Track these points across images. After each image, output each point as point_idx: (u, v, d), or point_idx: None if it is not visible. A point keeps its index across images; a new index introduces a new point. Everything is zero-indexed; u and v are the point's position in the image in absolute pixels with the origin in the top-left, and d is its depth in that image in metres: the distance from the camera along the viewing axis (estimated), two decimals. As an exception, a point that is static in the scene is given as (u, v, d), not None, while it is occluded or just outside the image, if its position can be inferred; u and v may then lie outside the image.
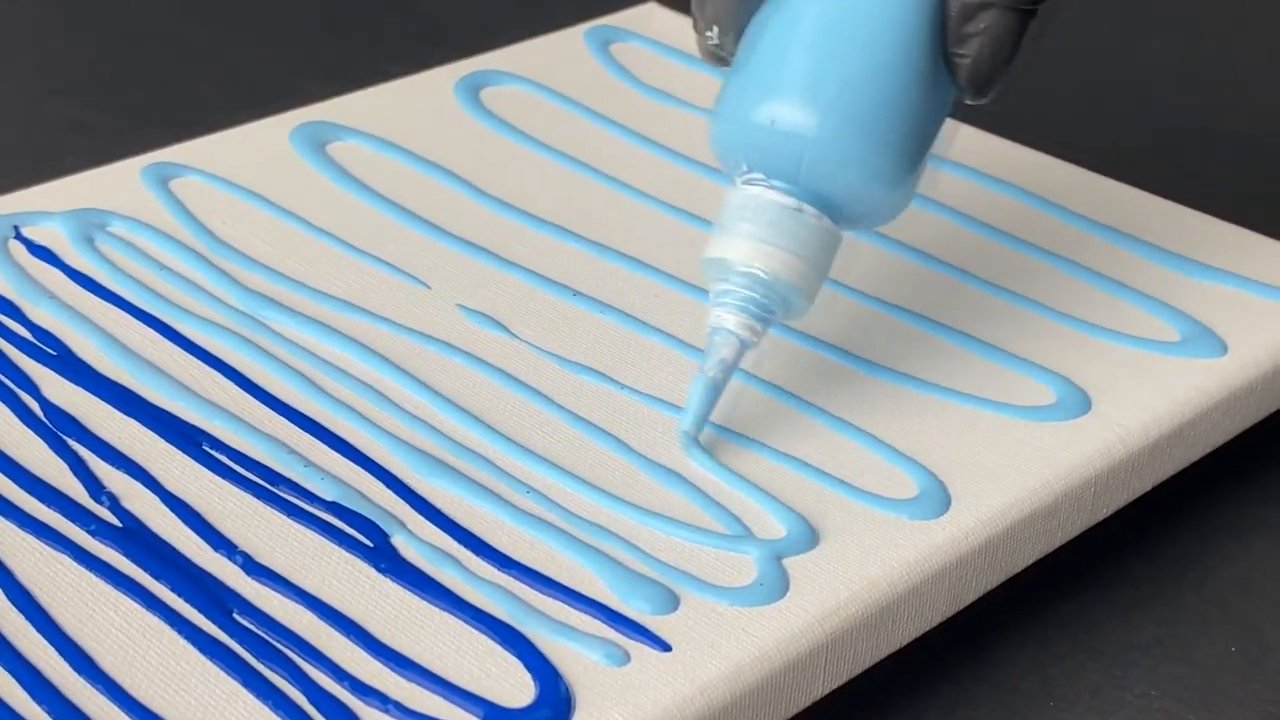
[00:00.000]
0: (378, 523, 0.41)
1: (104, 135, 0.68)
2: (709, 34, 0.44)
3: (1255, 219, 0.55)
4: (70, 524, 0.41)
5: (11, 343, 0.47)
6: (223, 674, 0.37)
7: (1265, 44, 0.79)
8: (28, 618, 0.38)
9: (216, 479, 0.43)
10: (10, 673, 0.37)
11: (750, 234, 0.43)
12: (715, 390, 0.44)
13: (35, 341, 0.47)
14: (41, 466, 0.43)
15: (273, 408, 0.45)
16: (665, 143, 0.59)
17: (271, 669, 0.37)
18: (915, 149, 0.43)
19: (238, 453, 0.43)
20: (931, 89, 0.43)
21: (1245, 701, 0.43)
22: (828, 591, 0.40)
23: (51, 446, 0.43)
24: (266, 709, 0.36)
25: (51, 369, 0.46)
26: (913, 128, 0.43)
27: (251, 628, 0.38)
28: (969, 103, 0.44)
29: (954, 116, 0.45)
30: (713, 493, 0.43)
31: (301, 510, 0.42)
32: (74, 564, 0.40)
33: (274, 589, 0.39)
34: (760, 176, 0.43)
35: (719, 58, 0.45)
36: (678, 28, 0.66)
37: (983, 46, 0.42)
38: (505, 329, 0.49)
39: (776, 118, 0.42)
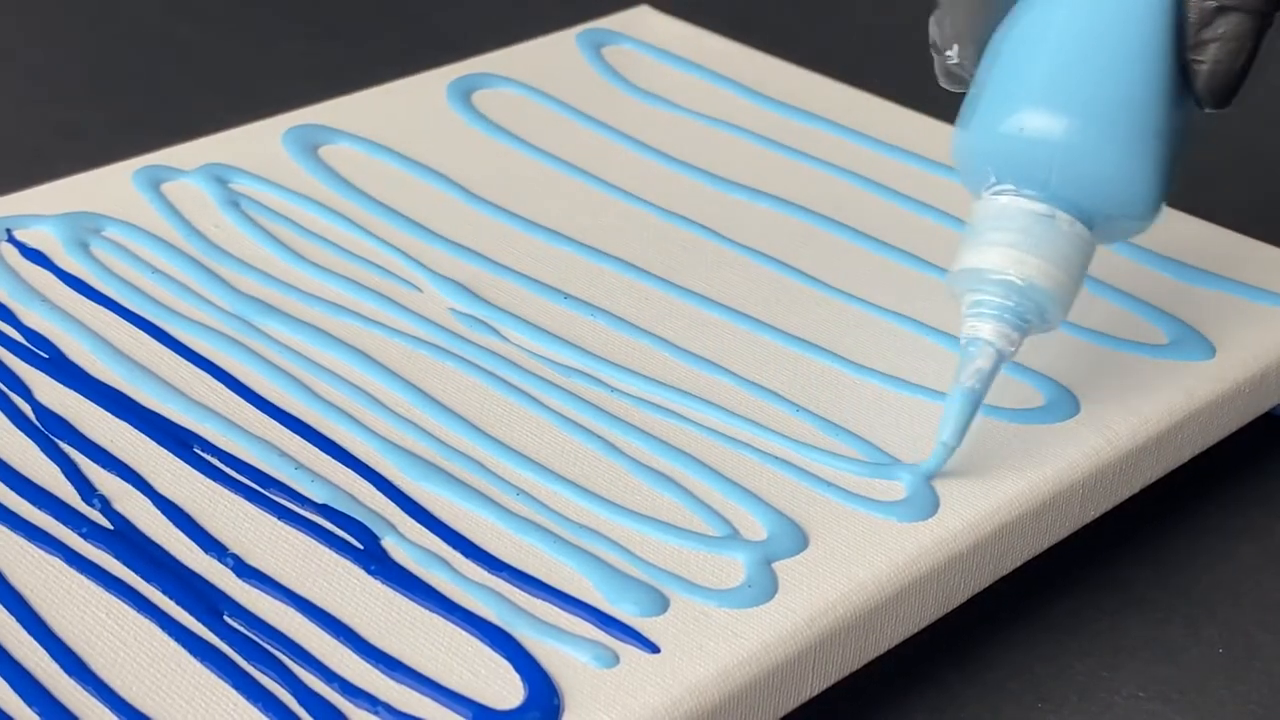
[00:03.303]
0: (368, 525, 0.41)
1: (96, 138, 0.68)
2: (949, 53, 0.44)
3: (1244, 222, 0.55)
4: (62, 526, 0.41)
5: (4, 346, 0.47)
6: (213, 675, 0.37)
7: (1269, 43, 0.79)
8: (19, 619, 0.38)
9: (207, 481, 0.43)
10: (2, 674, 0.37)
11: (1002, 241, 0.43)
12: (974, 401, 0.43)
13: (27, 344, 0.47)
14: (33, 469, 0.43)
15: (264, 410, 0.45)
16: (657, 146, 0.59)
17: (261, 671, 0.37)
18: (1162, 153, 0.43)
19: (229, 455, 0.43)
20: (1176, 95, 0.43)
21: (1232, 703, 0.44)
22: (816, 593, 0.40)
23: (43, 449, 0.44)
24: (256, 710, 0.36)
25: (43, 372, 0.46)
26: (1160, 131, 0.42)
27: (242, 629, 0.38)
28: (1208, 110, 0.43)
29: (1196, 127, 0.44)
30: (701, 495, 0.43)
31: (292, 513, 0.42)
32: (65, 566, 0.40)
33: (264, 591, 0.39)
34: (1010, 187, 0.43)
35: (958, 78, 0.45)
36: (670, 31, 0.66)
37: (1220, 51, 0.42)
38: (496, 332, 0.49)
39: (1025, 125, 0.42)
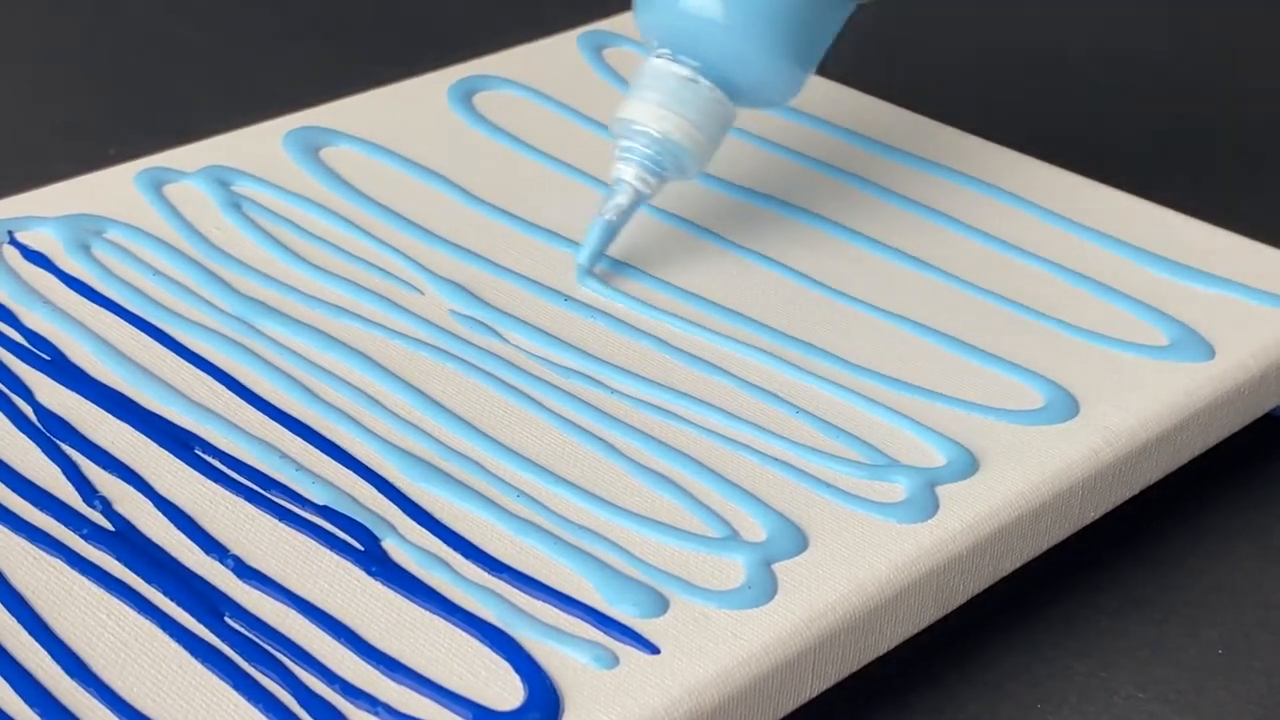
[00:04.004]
0: (368, 526, 0.41)
1: (98, 140, 0.68)
2: None
3: (1244, 223, 0.55)
4: (63, 528, 0.41)
5: (6, 348, 0.47)
6: (214, 677, 0.37)
7: (1261, 48, 0.79)
8: (20, 621, 0.39)
9: (208, 483, 0.43)
10: (3, 675, 0.37)
11: (651, 99, 0.50)
12: (610, 231, 0.51)
13: (29, 346, 0.47)
14: (35, 471, 0.43)
15: (265, 412, 0.45)
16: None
17: (262, 672, 0.38)
18: (806, 39, 0.50)
19: (230, 457, 0.44)
20: None
21: (1231, 704, 0.44)
22: (816, 595, 0.40)
23: (45, 451, 0.44)
24: (257, 711, 0.37)
25: (45, 374, 0.46)
26: (804, 19, 0.49)
27: (242, 631, 0.38)
28: (862, 2, 0.49)
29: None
30: (701, 496, 0.43)
31: (292, 514, 0.42)
32: (67, 567, 0.40)
33: (265, 592, 0.40)
34: (668, 52, 0.50)
35: None
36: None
37: None
38: (496, 334, 0.49)
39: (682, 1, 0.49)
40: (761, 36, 0.49)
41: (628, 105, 0.50)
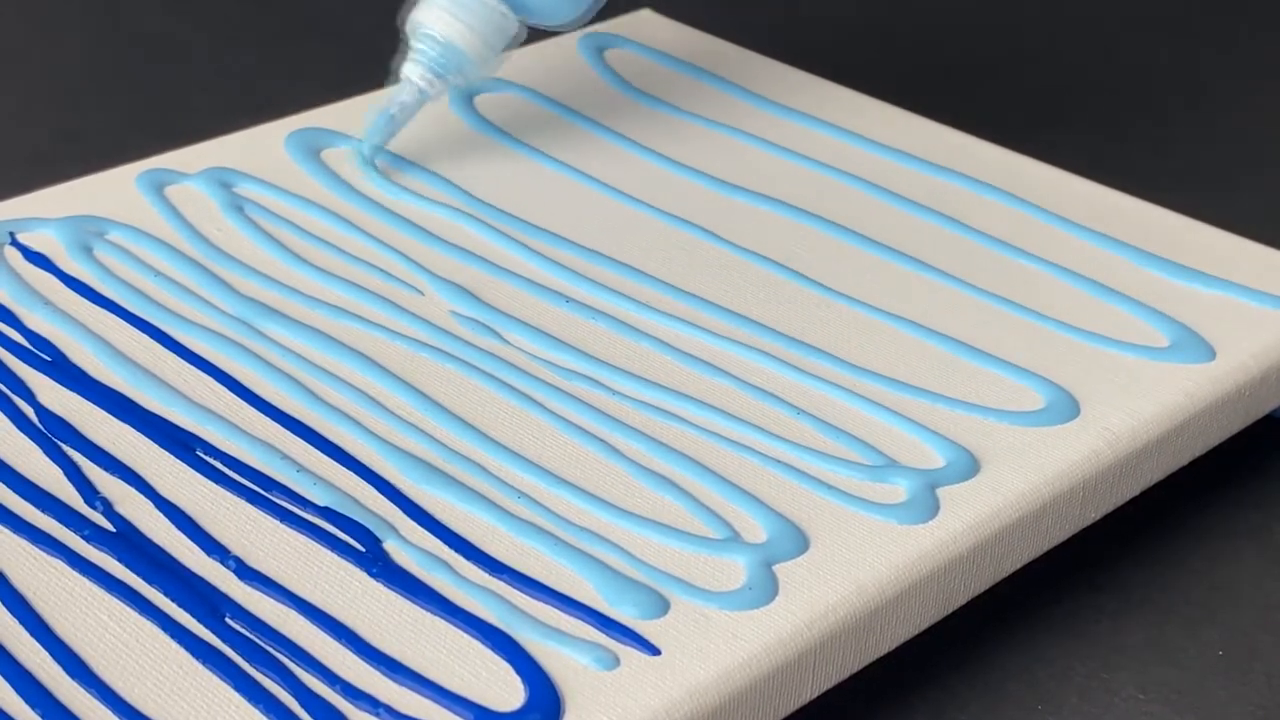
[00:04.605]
0: (369, 528, 0.41)
1: (99, 142, 0.68)
2: None
3: (1244, 225, 0.55)
4: (64, 528, 0.41)
5: (7, 349, 0.47)
6: (215, 677, 0.37)
7: (1262, 48, 0.79)
8: (22, 621, 0.39)
9: (210, 484, 0.43)
10: (4, 676, 0.37)
11: (440, 5, 0.55)
12: (392, 124, 0.56)
13: (31, 348, 0.47)
14: (36, 472, 0.43)
15: (266, 413, 0.45)
16: (659, 149, 0.59)
17: (263, 672, 0.38)
18: None
19: (231, 458, 0.44)
20: None
21: (1232, 705, 0.44)
22: (816, 596, 0.40)
23: (46, 452, 0.44)
24: (258, 712, 0.37)
25: (47, 375, 0.46)
26: None
27: (243, 632, 0.39)
28: None
29: None
30: (702, 498, 0.43)
31: (294, 515, 0.42)
32: (68, 568, 0.40)
33: (266, 593, 0.40)
34: None
35: None
36: (671, 35, 0.66)
37: None
38: (497, 335, 0.49)
39: None
40: None
41: (420, 9, 0.56)
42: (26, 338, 0.48)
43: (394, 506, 0.42)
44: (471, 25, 0.55)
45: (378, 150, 0.57)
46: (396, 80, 0.56)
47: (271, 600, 0.39)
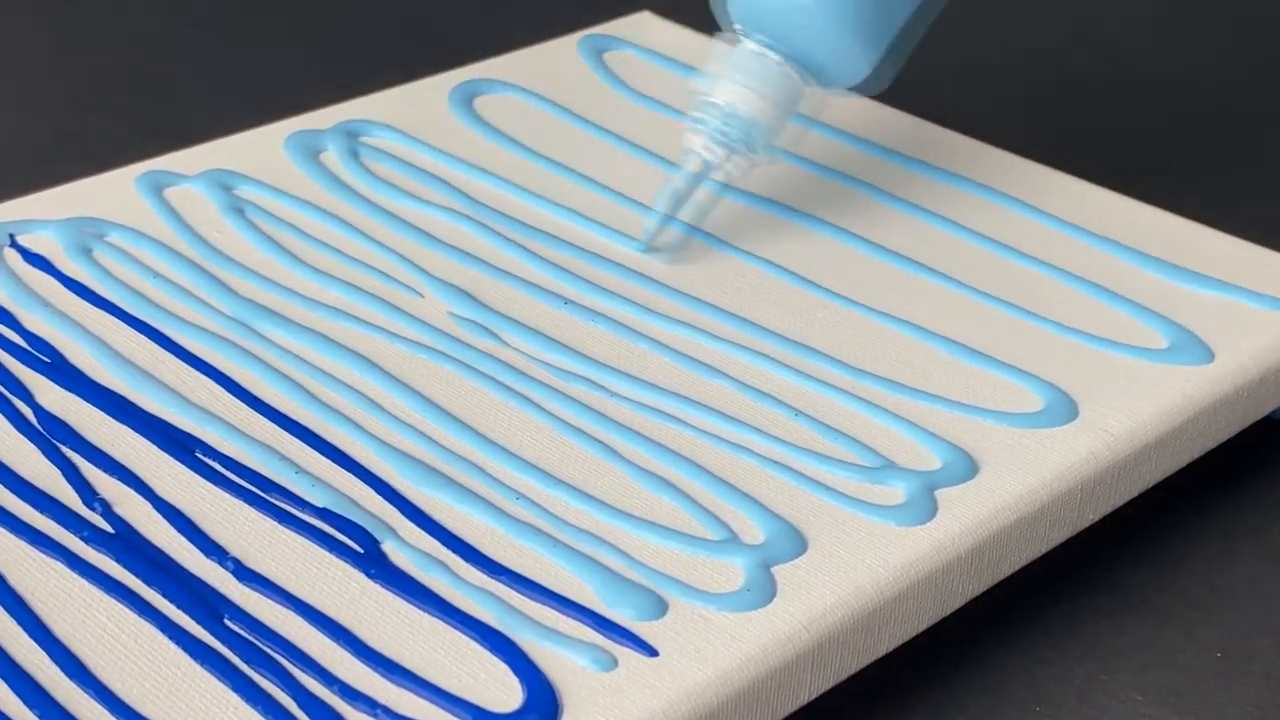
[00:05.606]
0: (367, 529, 0.41)
1: (98, 144, 0.68)
2: None
3: (1243, 226, 0.55)
4: (63, 530, 0.41)
5: (6, 350, 0.47)
6: (213, 679, 0.37)
7: (1262, 48, 0.79)
8: (20, 623, 0.39)
9: (208, 485, 0.43)
10: (2, 677, 0.37)
11: (720, 73, 0.51)
12: (678, 197, 0.52)
13: (30, 349, 0.47)
14: (35, 473, 0.43)
15: (264, 415, 0.45)
16: (658, 151, 0.59)
17: (261, 674, 0.38)
18: (875, 19, 0.51)
19: (229, 459, 0.44)
20: None
21: (1230, 707, 0.44)
22: (814, 597, 0.40)
23: (45, 453, 0.44)
24: (256, 713, 0.37)
25: (46, 376, 0.46)
26: (881, 12, 0.51)
27: (242, 633, 0.39)
28: None
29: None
30: (700, 499, 0.43)
31: (292, 516, 0.42)
32: (67, 570, 0.40)
33: (264, 594, 0.40)
34: (740, 28, 0.51)
35: None
36: (671, 37, 0.66)
37: None
38: (496, 337, 0.49)
39: None
40: (830, 12, 0.50)
41: (698, 79, 0.52)
42: (25, 339, 0.48)
43: (392, 508, 0.42)
44: (759, 91, 0.51)
45: (665, 222, 0.53)
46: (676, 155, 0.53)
47: (270, 601, 0.39)
